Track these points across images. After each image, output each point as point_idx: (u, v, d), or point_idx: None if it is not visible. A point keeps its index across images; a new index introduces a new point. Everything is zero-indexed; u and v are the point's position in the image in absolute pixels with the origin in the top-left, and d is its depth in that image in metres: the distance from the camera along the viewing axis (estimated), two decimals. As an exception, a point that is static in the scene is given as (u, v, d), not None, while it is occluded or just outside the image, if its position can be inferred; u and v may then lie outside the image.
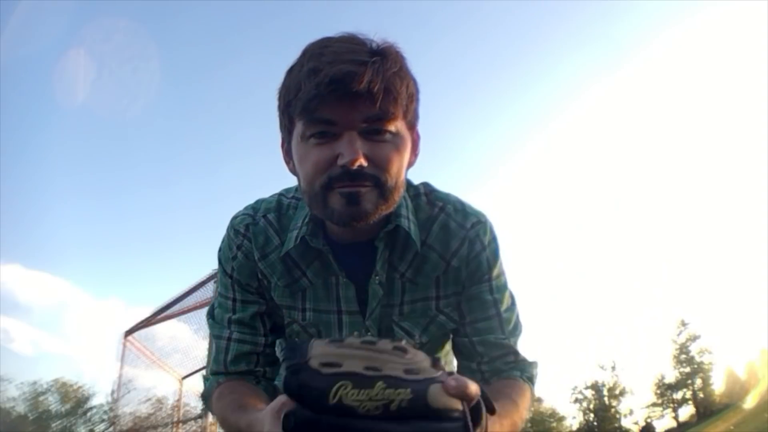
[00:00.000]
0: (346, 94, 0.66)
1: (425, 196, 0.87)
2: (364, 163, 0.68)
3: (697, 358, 37.12)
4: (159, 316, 6.58)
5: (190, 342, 6.71)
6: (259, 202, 0.92)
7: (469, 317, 0.86)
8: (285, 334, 0.89)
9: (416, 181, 0.91)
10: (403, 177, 0.76)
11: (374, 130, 0.70)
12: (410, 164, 0.79)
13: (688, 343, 37.69)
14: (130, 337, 7.06)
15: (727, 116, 52.63)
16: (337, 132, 0.69)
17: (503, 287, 0.89)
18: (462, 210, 0.87)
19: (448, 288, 0.85)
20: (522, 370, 0.86)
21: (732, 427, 22.32)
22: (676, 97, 56.82)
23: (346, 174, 0.69)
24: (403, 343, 0.48)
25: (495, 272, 0.87)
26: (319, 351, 0.45)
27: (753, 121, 47.30)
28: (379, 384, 0.43)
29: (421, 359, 0.47)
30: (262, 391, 0.85)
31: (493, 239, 0.88)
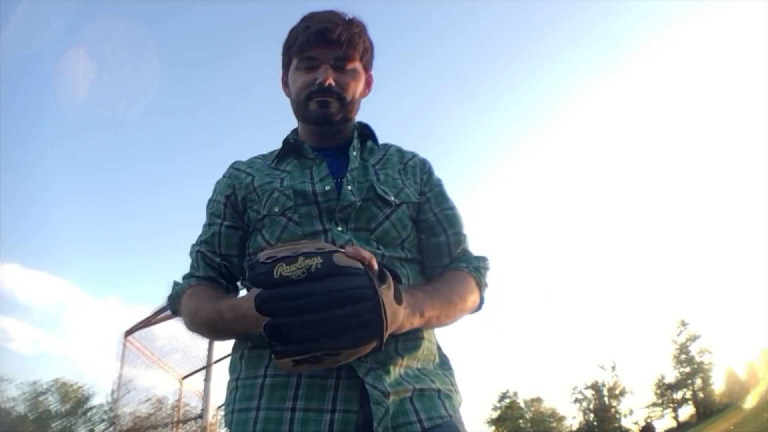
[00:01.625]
0: (325, 41, 1.03)
1: (411, 159, 1.16)
2: (333, 83, 1.03)
3: (697, 358, 37.14)
4: (159, 316, 6.56)
5: (189, 342, 6.69)
6: None
7: (436, 209, 1.09)
8: (264, 210, 1.00)
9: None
10: (357, 97, 1.09)
11: (340, 66, 1.05)
12: (363, 95, 1.13)
13: (688, 343, 37.71)
14: (130, 337, 7.05)
15: (727, 116, 52.61)
16: (317, 65, 1.04)
17: (448, 193, 1.15)
18: (408, 150, 1.18)
19: (407, 176, 1.10)
20: (467, 262, 1.06)
21: (732, 427, 22.31)
22: (676, 97, 56.80)
23: (320, 89, 1.03)
24: (318, 241, 0.77)
25: (442, 182, 1.15)
26: (262, 253, 0.70)
27: (753, 121, 47.28)
28: (300, 258, 0.67)
29: (328, 245, 0.72)
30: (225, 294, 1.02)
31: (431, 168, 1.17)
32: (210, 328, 0.94)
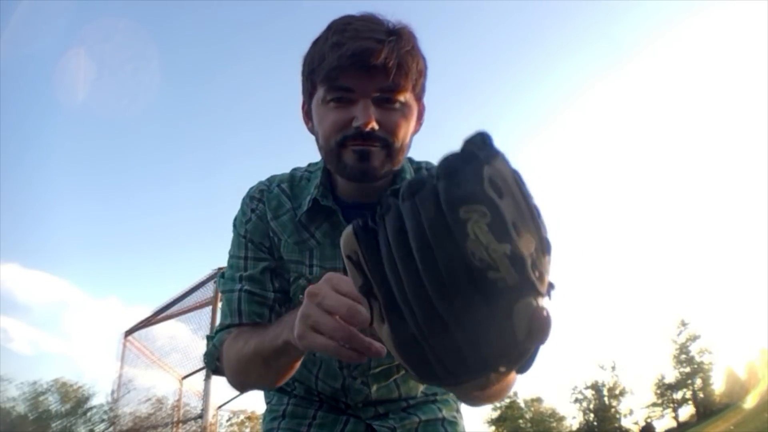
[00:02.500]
0: (364, 66, 0.76)
1: (426, 170, 0.96)
2: (376, 127, 0.78)
3: (697, 358, 37.12)
4: (159, 317, 6.58)
5: (189, 342, 6.71)
6: (272, 176, 0.98)
7: None
8: (290, 293, 0.90)
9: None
10: (407, 141, 0.84)
11: (386, 99, 0.79)
12: (415, 131, 0.88)
13: (688, 343, 37.69)
14: (130, 337, 7.07)
15: (728, 116, 52.65)
16: (353, 98, 0.78)
17: None
18: None
19: None
20: None
21: (732, 427, 22.32)
22: (676, 97, 56.86)
23: (359, 134, 0.78)
24: None
25: None
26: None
27: (753, 121, 47.32)
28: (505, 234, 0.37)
29: None
30: None
31: None
32: (259, 365, 0.76)
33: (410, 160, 0.95)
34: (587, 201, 58.42)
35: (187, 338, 6.70)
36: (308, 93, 0.86)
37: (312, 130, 0.88)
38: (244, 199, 0.97)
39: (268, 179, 0.97)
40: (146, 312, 6.87)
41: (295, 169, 0.97)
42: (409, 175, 0.91)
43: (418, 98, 0.86)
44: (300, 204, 0.91)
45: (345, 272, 0.77)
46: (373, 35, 0.77)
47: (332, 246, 0.88)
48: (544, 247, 0.40)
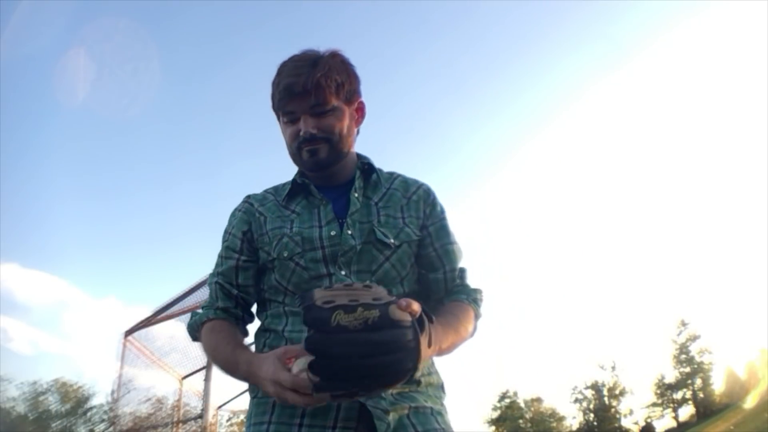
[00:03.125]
0: (296, 93, 1.07)
1: (386, 171, 1.23)
2: (314, 131, 1.07)
3: (697, 358, 37.15)
4: (159, 316, 6.57)
5: (189, 342, 6.70)
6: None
7: (437, 244, 1.15)
8: (274, 254, 1.08)
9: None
10: (346, 133, 1.11)
11: (318, 111, 1.08)
12: (357, 124, 1.17)
13: (688, 343, 37.72)
14: (130, 337, 7.06)
15: (728, 116, 52.61)
16: (297, 116, 1.09)
17: (450, 226, 1.20)
18: (414, 180, 1.23)
19: (410, 212, 1.15)
20: (467, 294, 1.15)
21: (732, 427, 22.31)
22: (677, 98, 56.79)
23: (305, 139, 1.08)
24: (368, 282, 0.83)
25: (445, 214, 1.19)
26: (319, 295, 0.74)
27: (753, 121, 47.29)
28: (359, 308, 0.71)
29: (381, 291, 0.76)
30: (240, 334, 1.11)
31: (437, 197, 1.22)
32: (225, 370, 1.02)
33: (404, 180, 1.21)
34: (588, 201, 58.40)
35: (187, 338, 6.69)
36: (278, 118, 1.15)
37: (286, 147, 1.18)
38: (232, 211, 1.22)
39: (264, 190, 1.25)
40: (146, 312, 6.87)
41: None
42: (367, 160, 1.19)
43: (348, 100, 1.12)
44: (282, 196, 1.17)
45: (320, 228, 1.09)
46: (297, 71, 1.07)
47: (309, 213, 1.11)
48: (368, 304, 0.72)
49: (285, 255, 1.06)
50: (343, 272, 1.04)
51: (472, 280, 1.19)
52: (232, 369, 0.99)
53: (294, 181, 1.16)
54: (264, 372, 0.85)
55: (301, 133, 1.07)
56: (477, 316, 1.12)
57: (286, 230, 1.09)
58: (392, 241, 1.08)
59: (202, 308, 1.12)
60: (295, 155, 1.11)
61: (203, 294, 6.44)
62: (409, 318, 0.73)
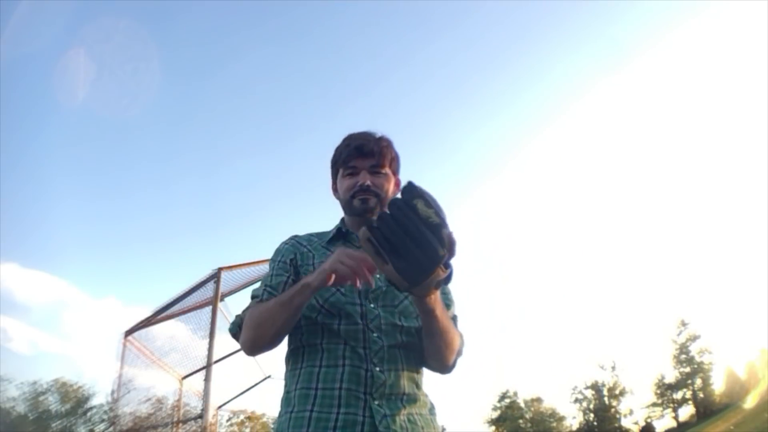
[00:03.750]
0: (362, 153, 1.36)
1: None
2: (370, 185, 1.34)
3: (697, 358, 37.15)
4: (159, 317, 6.58)
5: (189, 342, 6.71)
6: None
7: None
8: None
9: None
10: (389, 195, 1.36)
11: (375, 171, 1.36)
12: (395, 191, 1.39)
13: (688, 343, 37.72)
14: (130, 337, 7.06)
15: (728, 116, 52.61)
16: (357, 172, 1.36)
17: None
18: None
19: None
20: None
21: (732, 427, 22.31)
22: (677, 98, 56.81)
23: (360, 189, 1.34)
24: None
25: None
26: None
27: (753, 121, 47.31)
28: (432, 212, 0.96)
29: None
30: None
31: None
32: (272, 314, 1.20)
33: None
34: (588, 201, 58.42)
35: (187, 338, 6.70)
36: (334, 175, 1.43)
37: (337, 197, 1.43)
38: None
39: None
40: (145, 312, 6.88)
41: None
42: None
43: (394, 172, 1.41)
44: (324, 239, 1.40)
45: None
46: (367, 138, 1.38)
47: None
48: (442, 217, 0.97)
49: (324, 297, 1.25)
50: (372, 305, 1.26)
51: (460, 328, 1.35)
52: (284, 300, 1.18)
53: (338, 228, 1.40)
54: (308, 275, 1.16)
55: (359, 184, 1.33)
56: (461, 344, 1.31)
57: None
58: (414, 325, 1.27)
59: (246, 309, 1.30)
60: (348, 202, 1.36)
61: (203, 294, 6.45)
62: (446, 246, 0.97)
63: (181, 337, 6.79)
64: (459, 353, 1.30)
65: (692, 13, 52.82)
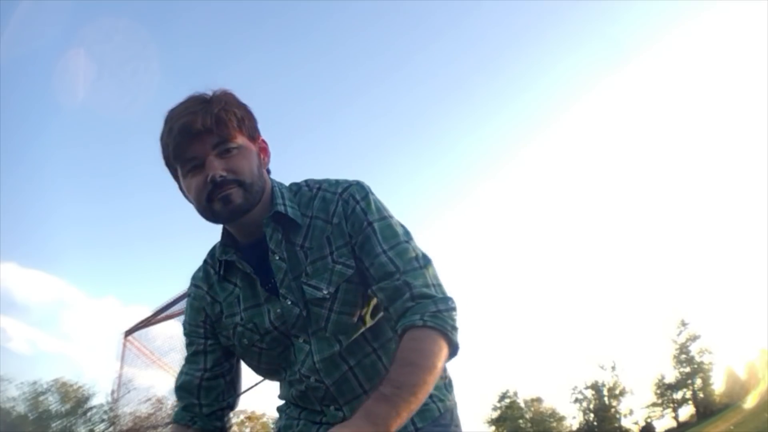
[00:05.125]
0: (193, 135, 0.94)
1: (306, 186, 1.08)
2: (224, 174, 0.95)
3: (697, 358, 37.09)
4: (159, 317, 6.57)
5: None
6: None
7: (366, 263, 0.99)
8: (235, 342, 1.06)
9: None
10: (257, 173, 0.99)
11: (223, 150, 0.96)
12: (265, 162, 1.06)
13: (688, 343, 37.66)
14: (129, 337, 7.05)
15: (728, 116, 52.59)
16: (201, 162, 0.95)
17: (388, 227, 1.01)
18: (335, 183, 1.06)
19: (337, 241, 1.01)
20: (422, 313, 0.90)
21: (732, 427, 22.28)
22: (676, 97, 56.78)
23: (215, 185, 0.95)
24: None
25: (374, 217, 1.01)
26: None
27: (753, 120, 47.28)
28: None
29: None
30: None
31: (367, 195, 1.04)
32: None
33: (292, 184, 1.09)
34: (588, 200, 58.40)
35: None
36: (175, 175, 1.03)
37: (191, 201, 1.02)
38: None
39: (203, 260, 1.15)
40: (144, 312, 6.90)
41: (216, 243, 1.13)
42: (281, 197, 1.03)
43: (252, 137, 1.02)
44: (218, 264, 1.08)
45: (265, 304, 1.03)
46: (189, 110, 0.96)
47: (250, 287, 1.04)
48: None
49: (245, 343, 1.04)
50: (301, 339, 1.01)
51: (437, 287, 0.94)
52: None
53: (221, 261, 1.06)
54: None
55: (209, 178, 0.93)
56: (447, 333, 0.89)
57: (237, 318, 1.04)
58: (325, 292, 0.98)
59: (176, 407, 1.12)
60: (206, 209, 0.97)
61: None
62: None
63: (181, 337, 6.78)
64: (444, 360, 0.90)
65: (694, 13, 52.78)
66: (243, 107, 1.02)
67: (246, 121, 1.00)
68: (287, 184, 1.09)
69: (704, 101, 54.09)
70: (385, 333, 1.04)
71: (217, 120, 0.95)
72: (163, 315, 6.54)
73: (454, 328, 0.91)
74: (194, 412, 1.08)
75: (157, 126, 1.00)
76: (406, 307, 0.93)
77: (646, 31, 55.27)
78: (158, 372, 7.18)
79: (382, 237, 0.98)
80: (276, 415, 1.17)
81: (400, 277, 0.94)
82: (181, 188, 1.04)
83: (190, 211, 1.03)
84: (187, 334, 1.11)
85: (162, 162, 1.03)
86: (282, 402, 1.14)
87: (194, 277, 1.13)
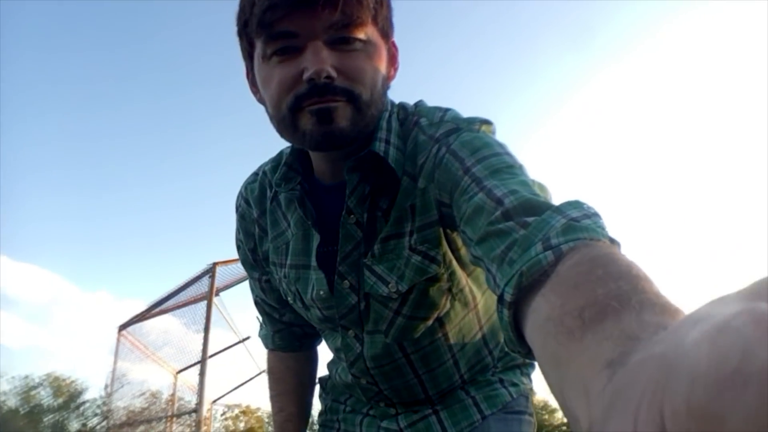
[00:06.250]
0: (303, 3, 0.60)
1: (412, 115, 0.74)
2: (333, 74, 0.61)
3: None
4: (153, 311, 6.56)
5: (183, 336, 6.70)
6: (266, 161, 0.89)
7: (462, 226, 0.58)
8: (281, 292, 0.87)
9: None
10: (380, 89, 0.67)
11: (341, 39, 0.62)
12: (390, 78, 0.72)
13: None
14: (124, 332, 7.04)
15: (728, 114, 52.90)
16: (300, 45, 0.62)
17: (496, 164, 0.59)
18: (439, 120, 0.70)
19: (421, 217, 0.69)
20: (562, 212, 0.47)
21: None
22: (675, 94, 57.06)
23: (315, 89, 0.61)
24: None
25: (474, 158, 0.61)
26: None
27: (753, 119, 47.57)
28: None
29: None
30: (301, 367, 0.99)
31: (476, 138, 0.64)
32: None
33: (401, 105, 0.76)
34: (587, 200, 58.47)
35: (181, 332, 6.69)
36: (248, 54, 0.69)
37: (261, 101, 0.70)
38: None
39: (261, 165, 0.88)
40: (138, 306, 6.89)
41: (283, 152, 0.85)
42: (386, 131, 0.70)
43: (385, 34, 0.68)
44: (280, 177, 0.79)
45: (311, 294, 0.79)
46: None
47: (305, 238, 0.77)
48: None
49: (290, 300, 0.83)
50: (351, 333, 0.79)
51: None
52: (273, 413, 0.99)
53: (285, 175, 0.77)
54: None
55: (307, 75, 0.61)
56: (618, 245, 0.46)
57: (280, 271, 0.82)
58: (392, 290, 0.71)
59: (261, 326, 0.99)
60: (287, 121, 0.65)
61: (197, 289, 6.44)
62: None
63: (176, 331, 6.78)
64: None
65: (690, 6, 52.88)
66: None
67: (383, 7, 0.67)
68: (396, 102, 0.76)
69: (704, 100, 54.32)
70: (469, 331, 0.80)
71: None
72: (158, 310, 6.53)
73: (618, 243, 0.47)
74: (294, 348, 0.99)
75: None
76: (543, 219, 0.48)
77: (641, 28, 55.38)
78: (153, 366, 7.17)
79: (486, 173, 0.58)
80: (269, 409, 1.03)
81: (512, 194, 0.53)
82: (250, 77, 0.72)
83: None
84: (248, 267, 0.91)
85: (235, 32, 0.69)
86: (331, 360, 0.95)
87: (246, 189, 0.86)
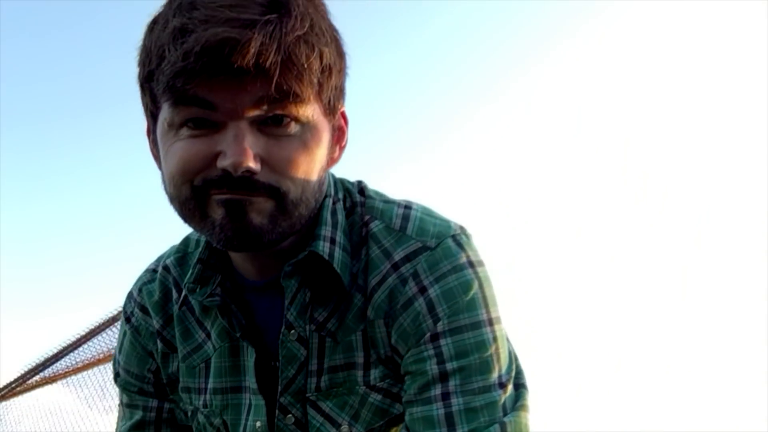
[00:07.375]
0: (228, 69, 0.47)
1: (360, 207, 0.64)
2: (256, 168, 0.50)
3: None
4: (31, 380, 4.28)
5: (81, 415, 4.31)
6: (164, 252, 0.74)
7: (405, 397, 0.58)
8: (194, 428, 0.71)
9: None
10: (314, 186, 0.56)
11: (273, 119, 0.51)
12: (332, 162, 0.61)
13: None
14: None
15: (728, 113, 53.47)
16: (219, 120, 0.50)
17: (466, 352, 0.56)
18: (400, 230, 0.60)
19: (376, 350, 0.61)
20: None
21: None
22: (673, 96, 57.63)
23: (228, 180, 0.50)
24: None
25: (449, 324, 0.56)
26: None
27: (753, 119, 48.03)
28: None
29: None
30: None
31: (452, 271, 0.57)
32: None
33: (345, 195, 0.64)
34: (587, 200, 58.91)
35: (79, 411, 4.30)
36: (150, 111, 0.55)
37: (160, 167, 0.57)
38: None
39: (161, 255, 0.73)
40: (8, 371, 4.57)
41: (191, 233, 0.71)
42: (330, 226, 0.60)
43: (331, 111, 0.56)
44: (189, 282, 0.66)
45: (249, 392, 0.64)
46: (241, 14, 0.47)
47: (232, 353, 0.64)
48: None
49: None
50: None
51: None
52: None
53: (199, 276, 0.62)
54: None
55: (223, 164, 0.49)
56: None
57: (198, 400, 0.66)
58: (344, 429, 0.60)
59: None
60: (189, 207, 0.53)
61: (107, 340, 4.20)
62: None
63: (69, 410, 4.39)
64: None
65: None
66: (336, 42, 0.54)
67: (333, 75, 0.53)
68: (340, 183, 0.66)
69: (704, 100, 55.06)
70: None
71: (289, 58, 0.48)
72: (38, 377, 4.24)
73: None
74: None
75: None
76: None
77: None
78: None
79: (451, 368, 0.55)
80: None
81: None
82: (151, 139, 0.57)
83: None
84: (122, 384, 0.71)
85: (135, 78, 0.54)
86: None
87: (141, 291, 0.70)
